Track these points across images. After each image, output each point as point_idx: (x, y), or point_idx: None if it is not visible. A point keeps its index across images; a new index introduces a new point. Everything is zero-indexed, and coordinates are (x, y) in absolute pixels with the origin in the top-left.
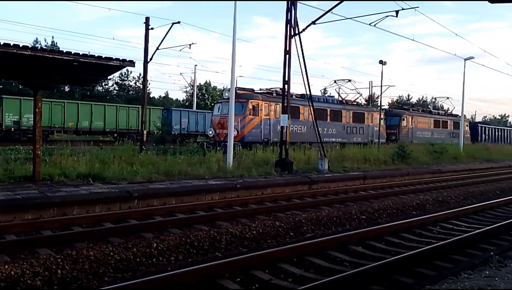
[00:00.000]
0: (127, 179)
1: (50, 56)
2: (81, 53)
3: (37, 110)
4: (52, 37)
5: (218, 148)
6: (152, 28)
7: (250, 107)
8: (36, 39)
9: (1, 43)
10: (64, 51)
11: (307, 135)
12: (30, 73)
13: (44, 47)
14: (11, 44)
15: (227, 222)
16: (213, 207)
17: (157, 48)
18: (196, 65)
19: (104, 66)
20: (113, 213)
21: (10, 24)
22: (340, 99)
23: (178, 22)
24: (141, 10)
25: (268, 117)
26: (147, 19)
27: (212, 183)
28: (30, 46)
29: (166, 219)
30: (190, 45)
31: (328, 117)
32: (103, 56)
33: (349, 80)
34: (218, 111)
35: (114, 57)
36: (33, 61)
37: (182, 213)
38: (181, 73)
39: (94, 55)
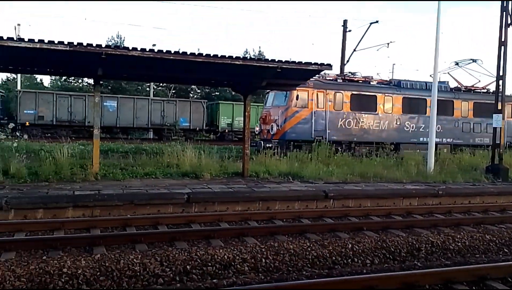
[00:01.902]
0: (323, 179)
1: (258, 64)
2: (283, 60)
3: (246, 113)
4: (259, 47)
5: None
6: (349, 30)
7: (294, 96)
8: (246, 50)
9: (219, 55)
10: (269, 59)
11: (390, 132)
12: (240, 81)
13: (252, 57)
14: (226, 56)
15: (427, 230)
16: (411, 213)
17: (354, 50)
18: (394, 64)
19: (304, 70)
20: (310, 210)
21: (221, 37)
22: (459, 85)
23: (376, 22)
24: (338, 11)
25: (324, 109)
26: (345, 21)
27: (410, 187)
28: (241, 56)
29: (362, 221)
30: (388, 44)
31: (428, 109)
32: (303, 62)
33: (474, 60)
34: (267, 102)
35: (312, 62)
36: (243, 69)
37: (378, 216)
38: (378, 74)
39: (295, 61)
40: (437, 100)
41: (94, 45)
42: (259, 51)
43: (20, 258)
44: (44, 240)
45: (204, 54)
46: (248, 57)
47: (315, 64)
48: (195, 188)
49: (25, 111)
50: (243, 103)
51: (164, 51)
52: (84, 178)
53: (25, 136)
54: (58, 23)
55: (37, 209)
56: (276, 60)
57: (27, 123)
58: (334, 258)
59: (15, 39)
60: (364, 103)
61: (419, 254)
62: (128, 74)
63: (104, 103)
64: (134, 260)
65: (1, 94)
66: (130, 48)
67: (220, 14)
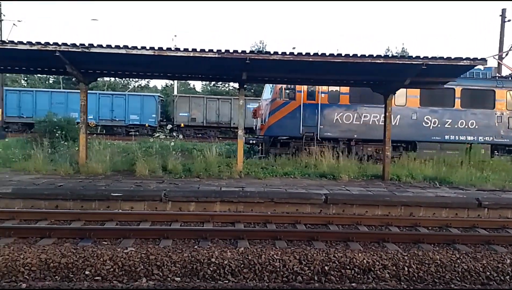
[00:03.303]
0: (475, 185)
1: (401, 62)
2: (429, 56)
3: (387, 114)
4: (402, 44)
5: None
6: (509, 20)
7: (278, 88)
8: (388, 48)
9: (358, 55)
10: (413, 56)
11: (403, 129)
12: (381, 80)
13: (394, 54)
14: (366, 55)
15: None
16: None
17: None
18: None
19: (453, 66)
20: (460, 219)
21: (362, 36)
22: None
23: None
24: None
25: (316, 102)
26: (503, 10)
27: None
28: (382, 55)
29: None
30: None
31: (458, 101)
32: (452, 57)
33: None
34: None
35: (463, 57)
36: (384, 68)
37: None
38: None
39: (443, 57)
40: (472, 89)
41: (239, 51)
42: (402, 48)
43: (175, 245)
44: (196, 230)
45: (343, 55)
46: (390, 55)
47: (467, 59)
48: (333, 189)
49: (180, 114)
50: (383, 104)
51: (303, 53)
52: (230, 175)
53: (180, 136)
54: (209, 33)
55: (190, 202)
56: (421, 57)
57: (182, 125)
58: (488, 273)
59: (172, 49)
60: (368, 94)
61: None
62: (269, 78)
63: (247, 106)
64: (275, 256)
65: (161, 98)
66: (272, 53)
67: (361, 13)
